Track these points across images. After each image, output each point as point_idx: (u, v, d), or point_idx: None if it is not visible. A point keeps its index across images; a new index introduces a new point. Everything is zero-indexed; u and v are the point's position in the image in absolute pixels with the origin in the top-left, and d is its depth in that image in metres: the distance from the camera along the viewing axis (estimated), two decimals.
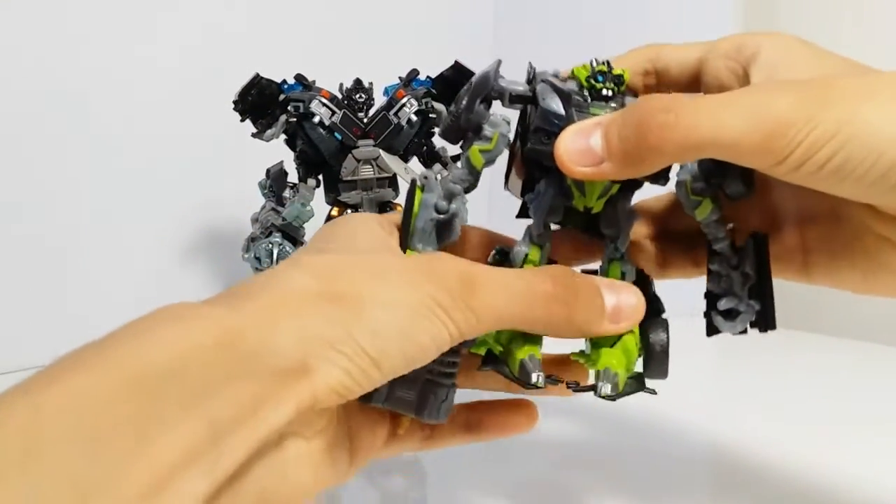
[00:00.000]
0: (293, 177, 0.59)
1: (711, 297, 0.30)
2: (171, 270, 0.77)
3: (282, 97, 0.56)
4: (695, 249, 0.32)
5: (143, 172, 0.74)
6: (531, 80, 0.30)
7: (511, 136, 0.30)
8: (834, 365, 0.70)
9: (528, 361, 0.27)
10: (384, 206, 0.59)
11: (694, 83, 0.30)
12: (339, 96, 0.57)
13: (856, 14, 0.80)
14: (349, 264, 0.24)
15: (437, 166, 0.59)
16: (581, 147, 0.26)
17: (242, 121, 0.57)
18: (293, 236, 0.55)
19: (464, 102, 0.28)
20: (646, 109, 0.24)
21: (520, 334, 0.27)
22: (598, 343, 0.28)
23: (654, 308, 0.29)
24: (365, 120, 0.56)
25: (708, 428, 0.51)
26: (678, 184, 0.29)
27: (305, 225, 0.57)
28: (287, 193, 0.58)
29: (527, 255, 0.29)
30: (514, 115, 0.31)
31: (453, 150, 0.60)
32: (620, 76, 0.28)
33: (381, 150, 0.57)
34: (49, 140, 0.69)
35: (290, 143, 0.58)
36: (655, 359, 0.28)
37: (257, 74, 0.56)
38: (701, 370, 0.64)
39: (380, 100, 0.58)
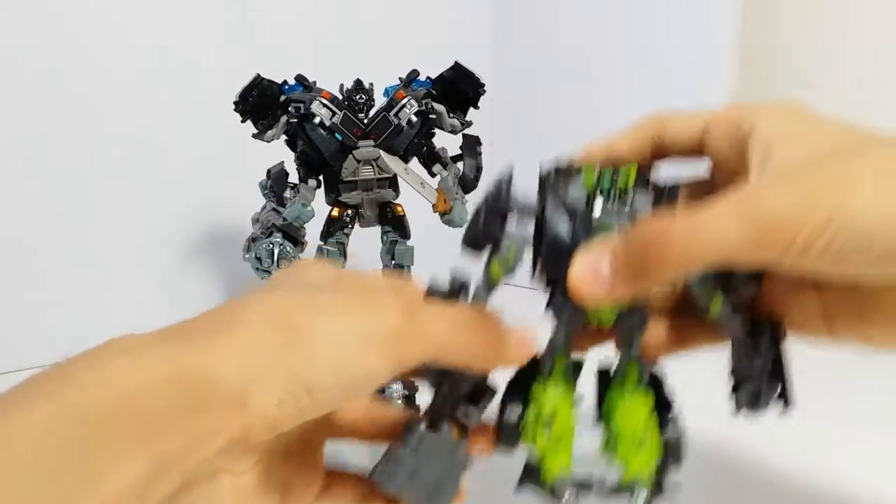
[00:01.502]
0: (294, 177, 0.59)
1: (734, 379, 0.32)
2: (173, 270, 0.77)
3: (282, 98, 0.56)
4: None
5: (144, 173, 0.75)
6: (543, 183, 0.31)
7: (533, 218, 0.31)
8: (834, 365, 0.69)
9: (559, 484, 0.29)
10: (384, 206, 0.59)
11: (698, 152, 0.32)
12: (340, 97, 0.57)
13: (856, 15, 0.80)
14: (296, 300, 0.25)
15: (438, 166, 0.59)
16: (591, 277, 0.27)
17: (243, 121, 0.57)
18: (294, 236, 0.56)
19: (481, 220, 0.29)
20: (646, 235, 0.26)
21: (553, 440, 0.30)
22: (622, 438, 0.30)
23: (667, 404, 0.31)
24: (365, 121, 0.56)
25: (709, 428, 0.51)
26: (687, 286, 0.31)
27: (306, 225, 0.57)
28: (288, 194, 0.59)
29: (553, 366, 0.31)
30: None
31: (453, 150, 0.60)
32: (626, 182, 0.29)
33: (381, 151, 0.57)
34: (50, 140, 0.69)
35: (291, 143, 0.58)
36: (673, 453, 0.30)
37: (258, 75, 0.56)
38: (702, 370, 0.64)
39: (380, 100, 0.58)
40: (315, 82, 0.58)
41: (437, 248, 0.72)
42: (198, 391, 0.21)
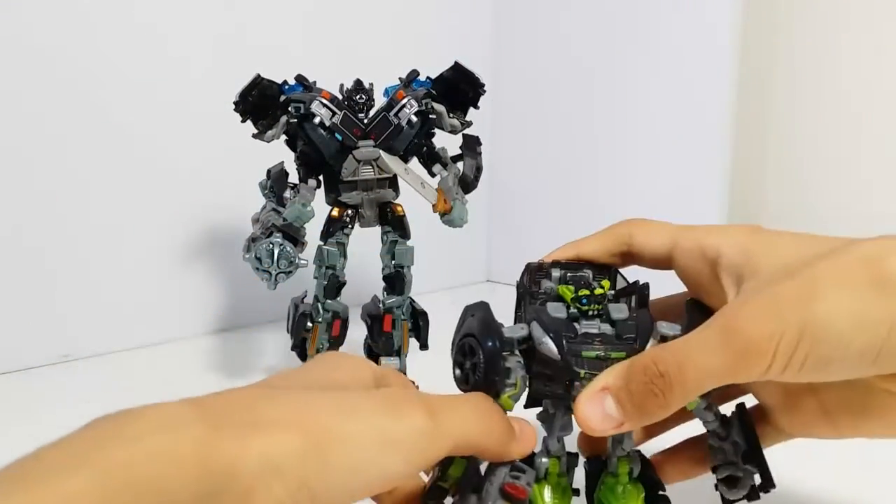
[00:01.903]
0: (294, 177, 0.59)
1: (715, 470, 0.34)
2: (173, 270, 0.77)
3: (282, 98, 0.56)
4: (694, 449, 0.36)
5: (143, 173, 0.75)
6: (524, 284, 0.34)
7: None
8: None
9: None
10: (384, 206, 0.59)
11: (665, 264, 0.34)
12: (340, 97, 0.57)
13: (855, 15, 0.80)
14: (324, 403, 0.25)
15: (438, 167, 0.59)
16: (599, 415, 0.29)
17: (243, 121, 0.57)
18: (294, 236, 0.55)
19: (482, 365, 0.31)
20: (643, 378, 0.28)
21: None
22: None
23: (658, 486, 0.33)
24: (365, 121, 0.56)
25: None
26: None
27: (306, 225, 0.57)
28: (287, 194, 0.58)
29: (548, 469, 0.33)
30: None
31: (453, 150, 0.60)
32: (602, 295, 0.32)
33: (381, 151, 0.57)
34: (50, 140, 0.69)
35: (291, 143, 0.58)
36: None
37: (258, 75, 0.56)
38: None
39: (380, 100, 0.58)
40: (315, 82, 0.58)
41: (438, 249, 0.72)
42: (218, 481, 0.22)
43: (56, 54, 0.68)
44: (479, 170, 0.59)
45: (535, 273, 0.35)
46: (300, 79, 0.58)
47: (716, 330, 0.27)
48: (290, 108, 0.56)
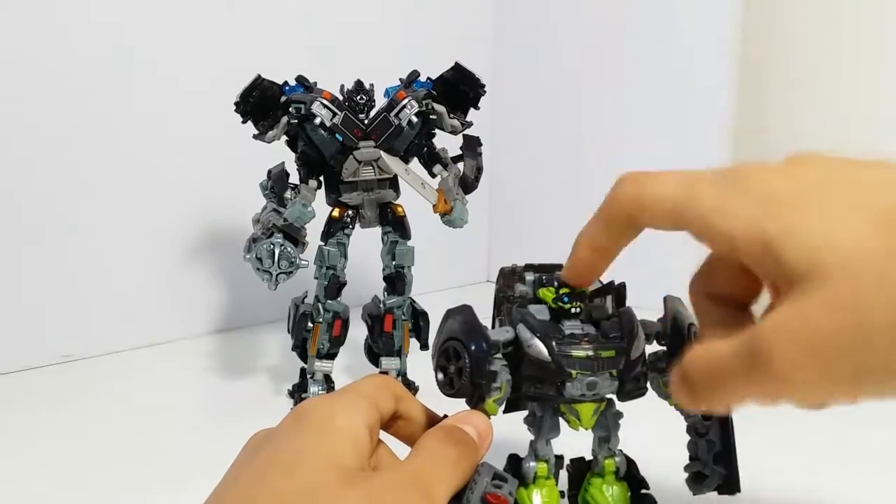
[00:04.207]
0: (294, 178, 0.59)
1: (687, 465, 0.35)
2: (173, 270, 0.77)
3: (283, 99, 0.56)
4: None
5: (145, 174, 0.75)
6: (502, 288, 0.34)
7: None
8: None
9: None
10: (385, 207, 0.59)
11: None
12: (340, 98, 0.57)
13: (856, 15, 0.80)
14: None
15: (438, 167, 0.59)
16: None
17: (244, 122, 0.57)
18: (294, 237, 0.56)
19: (468, 369, 0.30)
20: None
21: None
22: None
23: (642, 484, 0.34)
24: (366, 121, 0.56)
25: None
26: (651, 379, 0.33)
27: (307, 225, 0.57)
28: (288, 194, 0.58)
29: (536, 472, 0.33)
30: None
31: (454, 150, 0.60)
32: (583, 293, 0.32)
33: (381, 152, 0.57)
34: (52, 140, 0.69)
35: (292, 144, 0.58)
36: None
37: (259, 76, 0.56)
38: None
39: (381, 101, 0.58)
40: (316, 83, 0.58)
41: (438, 249, 0.72)
42: None
43: (58, 56, 0.68)
44: (479, 170, 0.59)
45: (509, 277, 0.35)
46: (301, 79, 0.58)
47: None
48: (290, 109, 0.56)
